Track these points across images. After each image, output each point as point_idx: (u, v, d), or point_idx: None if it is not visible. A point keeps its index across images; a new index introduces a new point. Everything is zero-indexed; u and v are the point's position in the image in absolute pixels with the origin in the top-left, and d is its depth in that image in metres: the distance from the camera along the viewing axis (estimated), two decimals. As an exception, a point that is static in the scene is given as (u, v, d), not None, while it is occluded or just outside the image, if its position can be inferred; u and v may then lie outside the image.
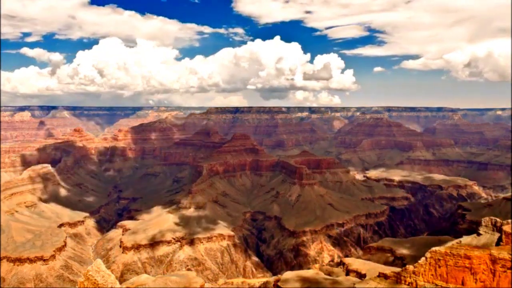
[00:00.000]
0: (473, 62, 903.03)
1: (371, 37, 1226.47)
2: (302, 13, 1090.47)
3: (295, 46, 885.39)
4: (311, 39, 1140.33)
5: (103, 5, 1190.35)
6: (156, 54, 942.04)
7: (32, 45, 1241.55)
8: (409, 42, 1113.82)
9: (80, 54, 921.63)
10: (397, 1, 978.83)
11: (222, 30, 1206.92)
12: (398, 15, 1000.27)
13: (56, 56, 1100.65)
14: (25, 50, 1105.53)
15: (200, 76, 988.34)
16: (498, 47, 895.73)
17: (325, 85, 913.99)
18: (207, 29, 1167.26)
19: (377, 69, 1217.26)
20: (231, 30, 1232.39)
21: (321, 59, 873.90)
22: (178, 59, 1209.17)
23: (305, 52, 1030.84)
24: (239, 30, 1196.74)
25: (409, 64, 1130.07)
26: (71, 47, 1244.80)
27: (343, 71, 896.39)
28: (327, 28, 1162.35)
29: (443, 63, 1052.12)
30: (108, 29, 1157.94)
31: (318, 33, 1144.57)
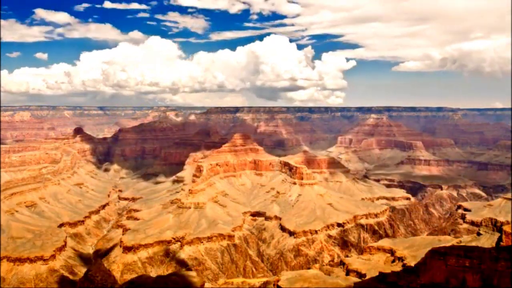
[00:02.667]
0: (449, 62, 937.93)
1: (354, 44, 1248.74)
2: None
3: (290, 46, 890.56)
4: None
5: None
6: (157, 54, 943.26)
7: (24, 46, 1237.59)
8: (387, 47, 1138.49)
9: (82, 55, 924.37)
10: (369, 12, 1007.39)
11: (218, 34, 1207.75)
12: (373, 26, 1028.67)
13: (52, 56, 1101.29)
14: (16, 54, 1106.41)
15: (200, 76, 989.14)
16: (471, 48, 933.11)
17: (319, 84, 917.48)
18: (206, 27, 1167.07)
19: (365, 72, 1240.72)
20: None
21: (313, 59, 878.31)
22: (180, 58, 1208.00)
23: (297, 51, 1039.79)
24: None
25: (394, 68, 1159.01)
26: (69, 47, 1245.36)
27: (333, 71, 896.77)
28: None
29: (423, 65, 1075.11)
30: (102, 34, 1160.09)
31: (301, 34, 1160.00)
